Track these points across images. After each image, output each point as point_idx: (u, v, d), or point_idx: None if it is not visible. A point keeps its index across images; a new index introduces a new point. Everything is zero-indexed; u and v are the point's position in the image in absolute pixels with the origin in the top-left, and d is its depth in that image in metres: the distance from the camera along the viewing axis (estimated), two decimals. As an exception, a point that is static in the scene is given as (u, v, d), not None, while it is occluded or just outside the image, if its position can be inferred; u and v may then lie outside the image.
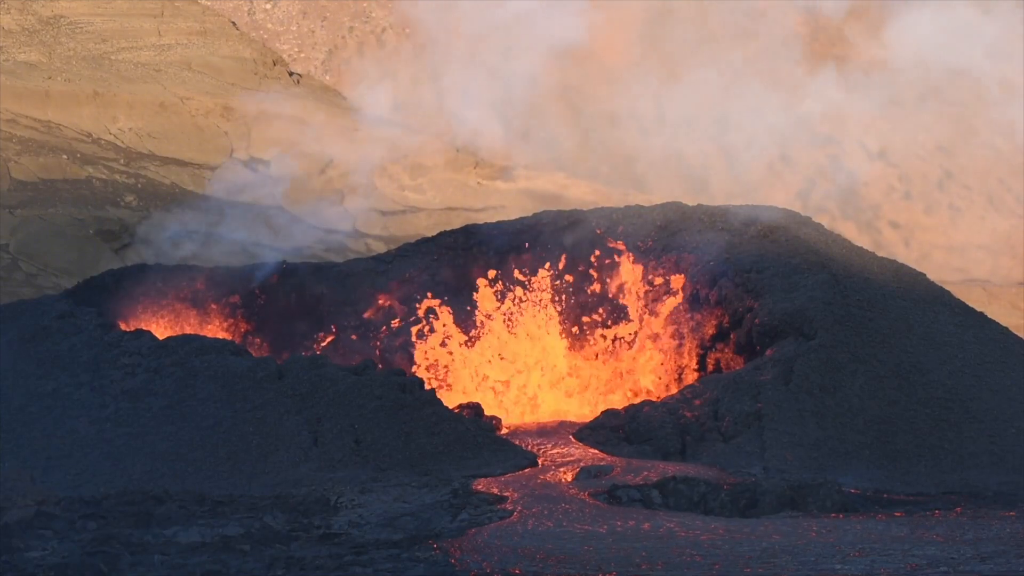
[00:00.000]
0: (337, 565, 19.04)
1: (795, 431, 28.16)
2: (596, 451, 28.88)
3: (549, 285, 35.54)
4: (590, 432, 30.21)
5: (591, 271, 35.62)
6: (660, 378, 33.99)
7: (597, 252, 35.68)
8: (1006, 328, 33.22)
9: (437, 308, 35.29)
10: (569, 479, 26.35)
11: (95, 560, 19.21)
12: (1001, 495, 26.27)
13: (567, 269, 35.67)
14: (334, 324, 35.61)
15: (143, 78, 67.15)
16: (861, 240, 47.85)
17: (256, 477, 26.71)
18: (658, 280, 34.65)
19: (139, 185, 60.84)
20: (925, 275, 34.32)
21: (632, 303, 35.05)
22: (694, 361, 33.36)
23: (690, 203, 36.82)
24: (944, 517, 23.70)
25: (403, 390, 28.74)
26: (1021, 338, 33.09)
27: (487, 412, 31.92)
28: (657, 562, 18.48)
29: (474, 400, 32.82)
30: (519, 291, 35.46)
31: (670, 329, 34.06)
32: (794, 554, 18.94)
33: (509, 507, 23.66)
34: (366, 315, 35.82)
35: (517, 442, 29.61)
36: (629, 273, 35.42)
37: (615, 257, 35.60)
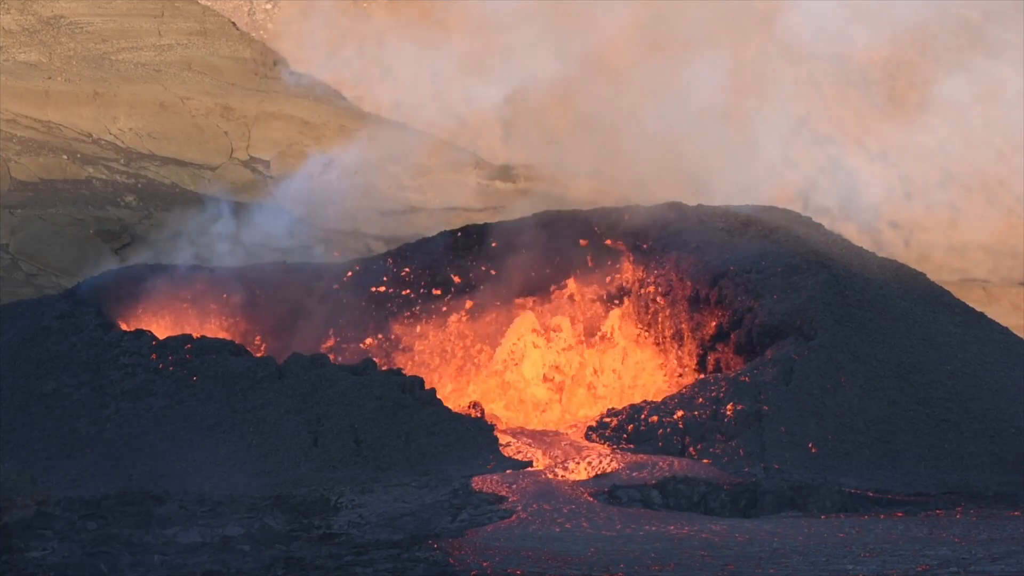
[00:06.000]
0: (337, 565, 19.04)
1: (795, 431, 28.16)
2: (597, 451, 28.89)
3: (549, 284, 35.56)
4: (591, 432, 30.23)
5: (591, 271, 35.62)
6: (660, 378, 33.99)
7: (598, 252, 35.71)
8: (1006, 328, 33.23)
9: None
10: (570, 479, 26.34)
11: (95, 560, 19.21)
12: (1002, 495, 26.27)
13: (567, 268, 35.68)
14: (334, 324, 35.58)
15: (143, 78, 67.11)
16: (861, 240, 47.79)
17: (256, 477, 26.70)
18: (658, 280, 34.64)
19: (139, 185, 60.82)
20: (925, 275, 34.33)
21: (632, 303, 35.04)
22: (694, 361, 33.36)
23: (690, 203, 36.84)
24: (949, 517, 23.69)
25: (403, 390, 28.73)
26: (1021, 338, 33.09)
27: (488, 412, 31.93)
28: (668, 563, 18.46)
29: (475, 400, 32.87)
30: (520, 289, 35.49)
31: (670, 329, 34.07)
32: (805, 554, 18.94)
33: (509, 507, 23.65)
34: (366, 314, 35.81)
35: (518, 442, 29.61)
36: (629, 273, 35.41)
37: (615, 257, 35.61)
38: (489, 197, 63.01)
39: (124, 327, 32.87)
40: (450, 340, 35.31)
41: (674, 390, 32.02)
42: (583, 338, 35.18)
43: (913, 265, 35.90)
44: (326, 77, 72.02)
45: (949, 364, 30.41)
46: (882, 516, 24.06)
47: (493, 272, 35.70)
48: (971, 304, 34.50)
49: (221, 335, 34.01)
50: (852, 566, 17.98)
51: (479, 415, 31.01)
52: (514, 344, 35.16)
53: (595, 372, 34.86)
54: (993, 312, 40.37)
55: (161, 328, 34.03)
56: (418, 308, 35.47)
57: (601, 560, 18.77)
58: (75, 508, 23.44)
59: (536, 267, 35.67)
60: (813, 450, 27.80)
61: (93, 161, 61.67)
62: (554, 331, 35.21)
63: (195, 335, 31.22)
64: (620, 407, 31.35)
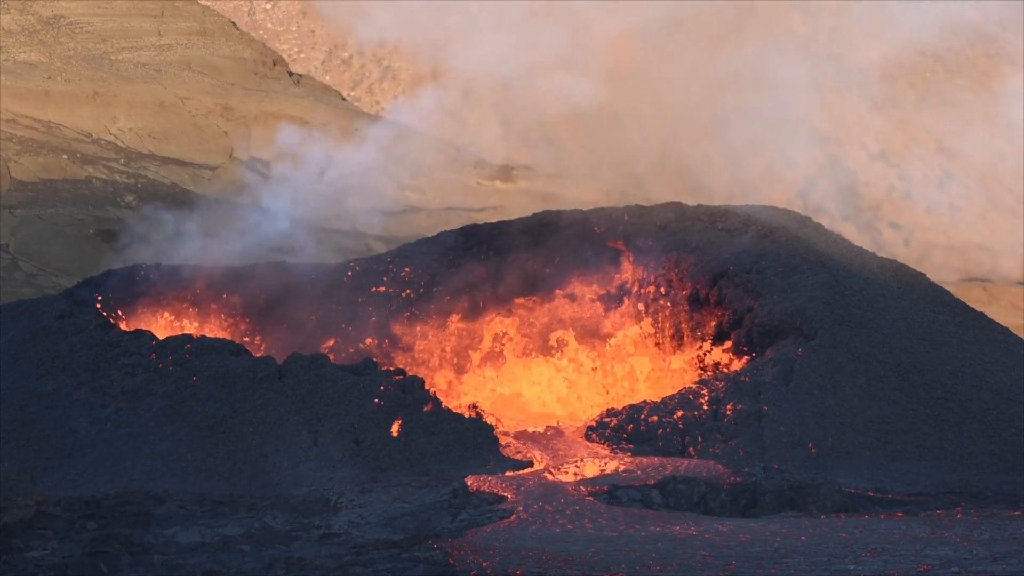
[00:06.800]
0: (337, 565, 19.05)
1: (795, 431, 28.16)
2: (597, 451, 28.91)
3: (551, 285, 35.55)
4: (591, 432, 30.24)
5: (591, 271, 35.62)
6: (660, 378, 34.00)
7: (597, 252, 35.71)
8: (1006, 328, 33.25)
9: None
10: (570, 479, 26.36)
11: (95, 560, 19.23)
12: (1002, 495, 26.29)
13: (568, 268, 35.67)
14: (334, 324, 35.56)
15: (143, 78, 67.16)
16: (861, 240, 47.86)
17: (256, 477, 26.71)
18: (658, 280, 34.64)
19: (139, 185, 60.85)
20: (925, 275, 34.35)
21: (632, 303, 35.04)
22: (694, 361, 33.37)
23: (690, 203, 36.84)
24: (950, 517, 23.70)
25: (403, 390, 28.74)
26: (1021, 338, 33.11)
27: (487, 413, 31.93)
28: (670, 563, 18.47)
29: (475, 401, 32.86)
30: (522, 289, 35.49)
31: (670, 329, 34.07)
32: (806, 554, 18.97)
33: (509, 507, 23.66)
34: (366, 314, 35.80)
35: (518, 442, 29.62)
36: (629, 273, 35.41)
37: (615, 257, 35.60)
38: (489, 197, 63.08)
39: (124, 327, 32.86)
40: (450, 340, 35.31)
41: (674, 390, 32.03)
42: (583, 338, 35.17)
43: (913, 265, 35.92)
44: (326, 77, 72.09)
45: (949, 364, 30.42)
46: (882, 516, 24.07)
47: (493, 272, 35.69)
48: (971, 304, 34.51)
49: (221, 335, 34.00)
50: (854, 566, 17.99)
51: (479, 415, 31.00)
52: (513, 344, 35.15)
53: (595, 372, 34.85)
54: (993, 312, 40.42)
55: (161, 328, 34.02)
56: (418, 308, 35.45)
57: (602, 560, 18.78)
58: (75, 508, 23.44)
59: (536, 267, 35.66)
60: (813, 450, 27.82)
61: (93, 161, 61.71)
62: (554, 332, 35.20)
63: (195, 335, 31.21)
64: (620, 407, 31.35)
